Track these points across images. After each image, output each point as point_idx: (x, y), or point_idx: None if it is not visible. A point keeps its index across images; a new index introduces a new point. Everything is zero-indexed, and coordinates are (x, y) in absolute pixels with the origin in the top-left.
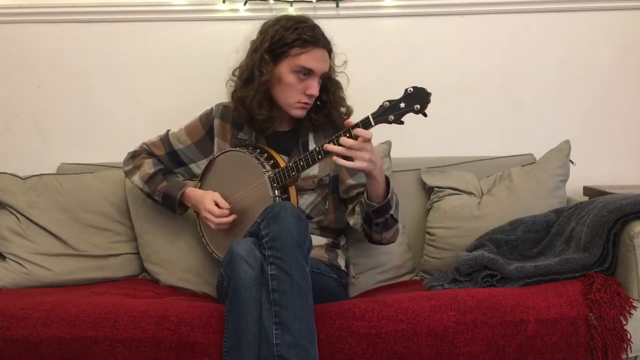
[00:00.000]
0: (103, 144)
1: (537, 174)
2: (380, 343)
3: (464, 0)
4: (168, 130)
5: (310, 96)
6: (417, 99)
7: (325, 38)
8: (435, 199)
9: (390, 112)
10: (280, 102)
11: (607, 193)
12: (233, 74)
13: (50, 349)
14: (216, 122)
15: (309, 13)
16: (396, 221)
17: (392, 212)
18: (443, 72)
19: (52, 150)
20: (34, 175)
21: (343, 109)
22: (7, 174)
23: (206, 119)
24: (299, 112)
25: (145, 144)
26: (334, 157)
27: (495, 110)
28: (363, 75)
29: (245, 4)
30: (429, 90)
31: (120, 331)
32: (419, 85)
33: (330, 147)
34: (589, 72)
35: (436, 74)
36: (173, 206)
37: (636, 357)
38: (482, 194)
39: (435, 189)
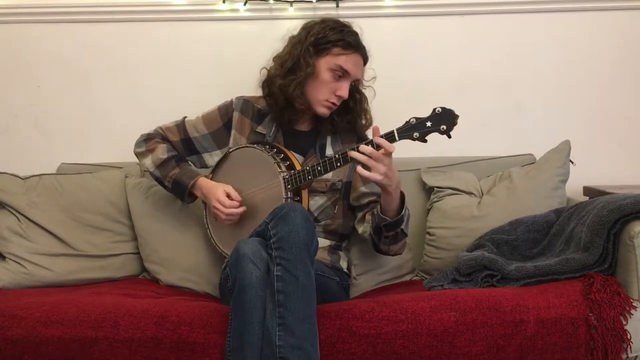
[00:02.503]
0: (103, 144)
1: (537, 174)
2: (380, 343)
3: (464, 0)
4: (184, 117)
5: (339, 97)
6: (444, 120)
7: (364, 47)
8: (435, 199)
9: (416, 130)
10: (309, 97)
11: (607, 193)
12: (273, 60)
13: (50, 349)
14: (236, 115)
15: (309, 13)
16: (405, 235)
17: (402, 226)
18: (443, 72)
19: (52, 150)
20: (34, 175)
21: (364, 121)
22: (7, 174)
23: (225, 111)
24: (324, 111)
25: (160, 128)
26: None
27: (495, 110)
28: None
29: (245, 4)
30: (457, 113)
31: (120, 331)
32: (447, 107)
33: (353, 154)
34: (589, 72)
35: (436, 74)
36: (182, 194)
37: (636, 357)
38: (482, 194)
39: (435, 189)
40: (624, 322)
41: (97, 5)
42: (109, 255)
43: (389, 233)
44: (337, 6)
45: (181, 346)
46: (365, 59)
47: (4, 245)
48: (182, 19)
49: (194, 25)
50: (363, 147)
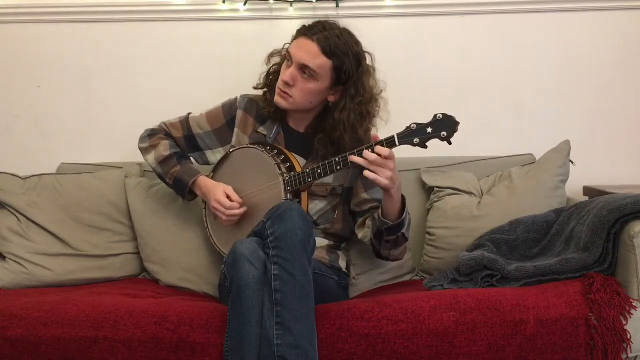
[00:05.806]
0: (103, 144)
1: (537, 174)
2: (380, 343)
3: (464, 0)
4: (189, 114)
5: (282, 82)
6: (445, 126)
7: (317, 31)
8: (435, 199)
9: (416, 135)
10: None
11: (607, 193)
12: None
13: (50, 349)
14: (239, 113)
15: (309, 13)
16: (406, 240)
17: (403, 230)
18: (443, 72)
19: (52, 150)
20: (34, 175)
21: (359, 133)
22: (7, 174)
23: (229, 109)
24: (277, 99)
25: (164, 123)
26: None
27: (495, 110)
28: None
29: (245, 4)
30: (457, 120)
31: (120, 331)
32: (448, 113)
33: (355, 159)
34: (589, 72)
35: (436, 74)
36: (183, 191)
37: (636, 357)
38: (482, 194)
39: (435, 189)
40: (624, 322)
41: (97, 5)
42: (109, 255)
43: (390, 237)
44: (337, 6)
45: (181, 346)
46: (317, 42)
47: (4, 245)
48: (182, 19)
49: (194, 25)
50: (367, 153)
